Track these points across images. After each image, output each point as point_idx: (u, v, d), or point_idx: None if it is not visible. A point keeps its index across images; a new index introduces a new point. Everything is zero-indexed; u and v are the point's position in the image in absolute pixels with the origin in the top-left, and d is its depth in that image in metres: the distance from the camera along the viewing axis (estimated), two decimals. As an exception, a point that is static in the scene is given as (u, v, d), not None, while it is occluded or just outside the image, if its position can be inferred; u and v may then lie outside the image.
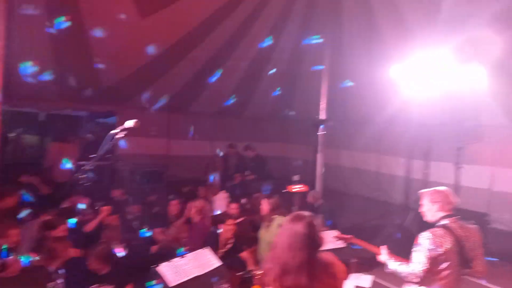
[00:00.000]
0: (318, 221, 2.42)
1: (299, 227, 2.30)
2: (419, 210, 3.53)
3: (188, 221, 5.43)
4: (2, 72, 4.07)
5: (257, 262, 4.72)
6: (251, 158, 8.47)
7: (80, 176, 2.80)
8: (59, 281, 3.66)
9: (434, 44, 5.87)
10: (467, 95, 6.00)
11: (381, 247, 3.60)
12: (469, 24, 5.63)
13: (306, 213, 2.40)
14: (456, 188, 6.71)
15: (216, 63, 8.97)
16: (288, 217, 2.42)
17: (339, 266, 2.33)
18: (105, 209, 5.15)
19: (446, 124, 6.62)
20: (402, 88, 6.61)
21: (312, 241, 2.25)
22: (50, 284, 3.53)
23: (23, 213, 5.44)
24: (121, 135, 2.74)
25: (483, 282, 4.75)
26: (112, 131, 2.77)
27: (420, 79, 6.02)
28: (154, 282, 3.61)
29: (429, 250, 3.12)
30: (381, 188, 10.47)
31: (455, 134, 6.39)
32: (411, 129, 9.23)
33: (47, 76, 7.01)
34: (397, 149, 9.87)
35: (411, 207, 8.34)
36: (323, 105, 7.40)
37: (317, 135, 7.41)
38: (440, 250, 3.11)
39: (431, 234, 3.16)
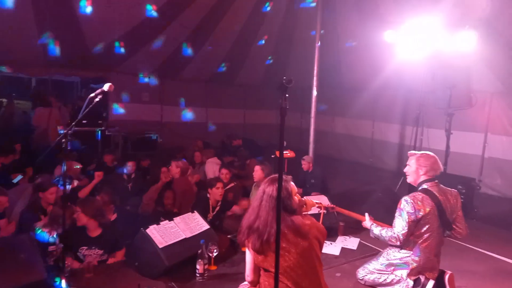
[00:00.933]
0: (292, 184, 2.48)
1: (270, 189, 2.36)
2: (404, 170, 3.58)
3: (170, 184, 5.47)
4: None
5: None
6: (238, 146, 8.71)
7: (62, 141, 2.78)
8: (60, 244, 3.74)
9: (426, 9, 5.74)
10: (458, 60, 5.93)
11: (365, 213, 3.68)
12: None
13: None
14: (448, 154, 6.75)
15: (206, 28, 8.76)
16: (265, 181, 2.46)
17: (313, 228, 2.41)
18: (98, 175, 5.20)
19: (438, 90, 6.56)
20: (396, 54, 6.54)
21: (282, 203, 2.27)
22: (51, 247, 3.61)
23: (16, 179, 5.53)
24: (99, 98, 2.72)
25: (468, 245, 4.88)
26: (91, 95, 2.75)
27: (412, 44, 5.95)
28: None
29: (409, 214, 3.19)
30: (374, 154, 10.57)
31: (446, 100, 6.34)
32: (403, 95, 9.21)
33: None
34: (391, 115, 9.88)
35: (403, 173, 8.44)
36: (315, 71, 7.32)
37: (311, 101, 7.38)
38: (420, 214, 3.18)
39: (410, 199, 3.22)
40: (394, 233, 3.27)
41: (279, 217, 1.94)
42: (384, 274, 3.51)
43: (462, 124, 7.47)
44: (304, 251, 2.33)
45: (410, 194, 3.29)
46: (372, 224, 3.55)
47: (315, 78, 7.31)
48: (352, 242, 4.77)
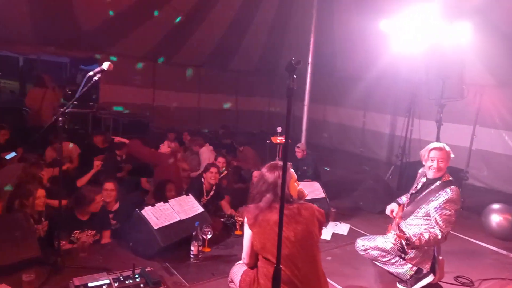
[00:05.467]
0: (291, 171, 2.52)
1: (273, 176, 2.43)
2: (436, 166, 3.30)
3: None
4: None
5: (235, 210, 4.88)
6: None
7: (59, 119, 2.75)
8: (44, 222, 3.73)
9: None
10: (452, 52, 5.96)
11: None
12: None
13: (281, 163, 2.44)
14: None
15: (200, 11, 8.64)
16: (266, 166, 2.53)
17: (313, 212, 2.46)
18: (97, 164, 5.17)
19: (431, 81, 6.60)
20: (391, 44, 6.54)
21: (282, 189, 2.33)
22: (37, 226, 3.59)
23: (10, 155, 5.44)
24: (98, 77, 2.69)
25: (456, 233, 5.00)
26: (90, 73, 2.71)
27: (408, 34, 5.96)
28: None
29: (457, 210, 3.18)
30: (364, 144, 10.66)
31: (439, 91, 6.39)
32: (397, 86, 9.25)
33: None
34: (383, 106, 9.94)
35: (393, 162, 8.56)
36: (310, 59, 7.28)
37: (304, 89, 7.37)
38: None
39: (457, 193, 3.16)
40: (444, 233, 3.11)
41: (282, 204, 1.97)
42: (390, 254, 3.42)
43: (452, 116, 7.53)
44: (302, 238, 2.35)
45: (453, 188, 3.17)
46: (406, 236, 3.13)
47: (309, 66, 7.29)
48: (342, 228, 4.85)
